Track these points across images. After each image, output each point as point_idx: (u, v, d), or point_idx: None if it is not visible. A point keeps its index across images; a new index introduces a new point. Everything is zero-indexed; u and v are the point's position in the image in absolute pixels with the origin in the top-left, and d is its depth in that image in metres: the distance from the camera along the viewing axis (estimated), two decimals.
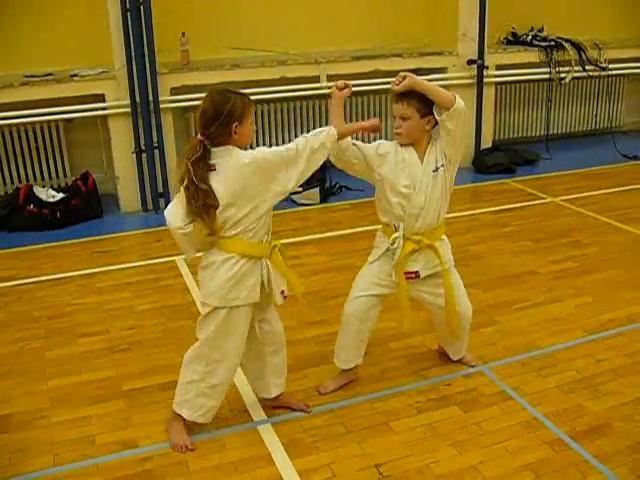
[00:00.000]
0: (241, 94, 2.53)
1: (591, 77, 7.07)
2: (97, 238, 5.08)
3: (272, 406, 2.93)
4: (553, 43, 6.76)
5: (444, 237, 2.95)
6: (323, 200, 5.81)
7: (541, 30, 6.95)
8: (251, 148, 2.57)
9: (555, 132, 7.53)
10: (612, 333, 3.50)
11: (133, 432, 2.81)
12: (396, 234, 2.83)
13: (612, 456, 2.60)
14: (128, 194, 5.62)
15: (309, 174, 2.59)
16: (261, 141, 6.37)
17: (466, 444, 2.69)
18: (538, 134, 7.43)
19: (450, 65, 6.46)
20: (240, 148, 2.52)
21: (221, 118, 2.43)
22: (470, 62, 6.41)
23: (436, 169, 2.79)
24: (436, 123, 2.76)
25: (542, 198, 5.75)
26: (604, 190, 5.90)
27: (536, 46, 6.76)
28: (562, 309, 3.77)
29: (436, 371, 3.20)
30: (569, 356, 3.29)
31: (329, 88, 5.91)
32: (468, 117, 6.59)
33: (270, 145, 6.36)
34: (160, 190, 5.58)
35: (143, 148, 5.46)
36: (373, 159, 2.81)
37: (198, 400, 2.71)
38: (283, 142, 6.42)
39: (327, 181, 5.86)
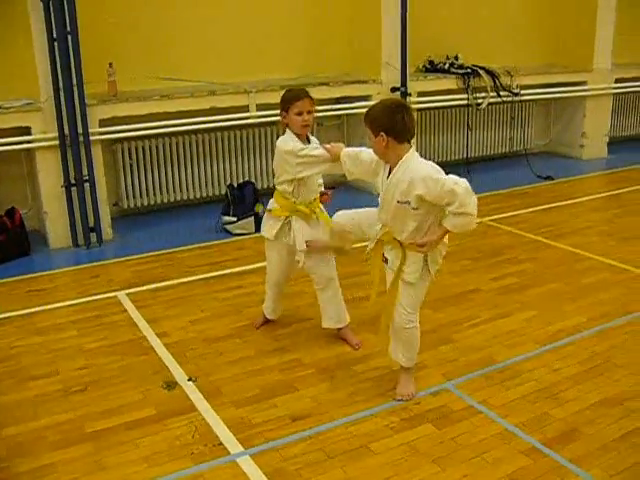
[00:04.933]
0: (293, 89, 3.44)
1: (505, 102, 7.44)
2: (28, 276, 4.83)
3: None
4: (469, 70, 7.08)
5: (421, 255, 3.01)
6: (258, 229, 5.77)
7: (457, 58, 7.25)
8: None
9: (474, 155, 7.83)
10: (563, 343, 3.65)
11: (105, 475, 2.67)
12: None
13: (585, 458, 2.70)
14: (57, 230, 5.39)
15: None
16: (190, 171, 6.31)
17: (447, 460, 2.72)
18: (458, 157, 7.70)
19: (374, 93, 6.60)
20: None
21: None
22: (394, 89, 6.60)
23: (404, 202, 2.87)
24: (396, 142, 2.86)
25: None
26: (527, 209, 6.18)
27: (454, 73, 7.05)
28: (512, 323, 3.91)
29: None
30: (527, 367, 3.41)
31: (259, 117, 6.05)
32: None
33: (198, 178, 6.34)
34: (91, 224, 5.36)
35: (73, 182, 5.27)
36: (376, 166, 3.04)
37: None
38: (212, 173, 6.40)
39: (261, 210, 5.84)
